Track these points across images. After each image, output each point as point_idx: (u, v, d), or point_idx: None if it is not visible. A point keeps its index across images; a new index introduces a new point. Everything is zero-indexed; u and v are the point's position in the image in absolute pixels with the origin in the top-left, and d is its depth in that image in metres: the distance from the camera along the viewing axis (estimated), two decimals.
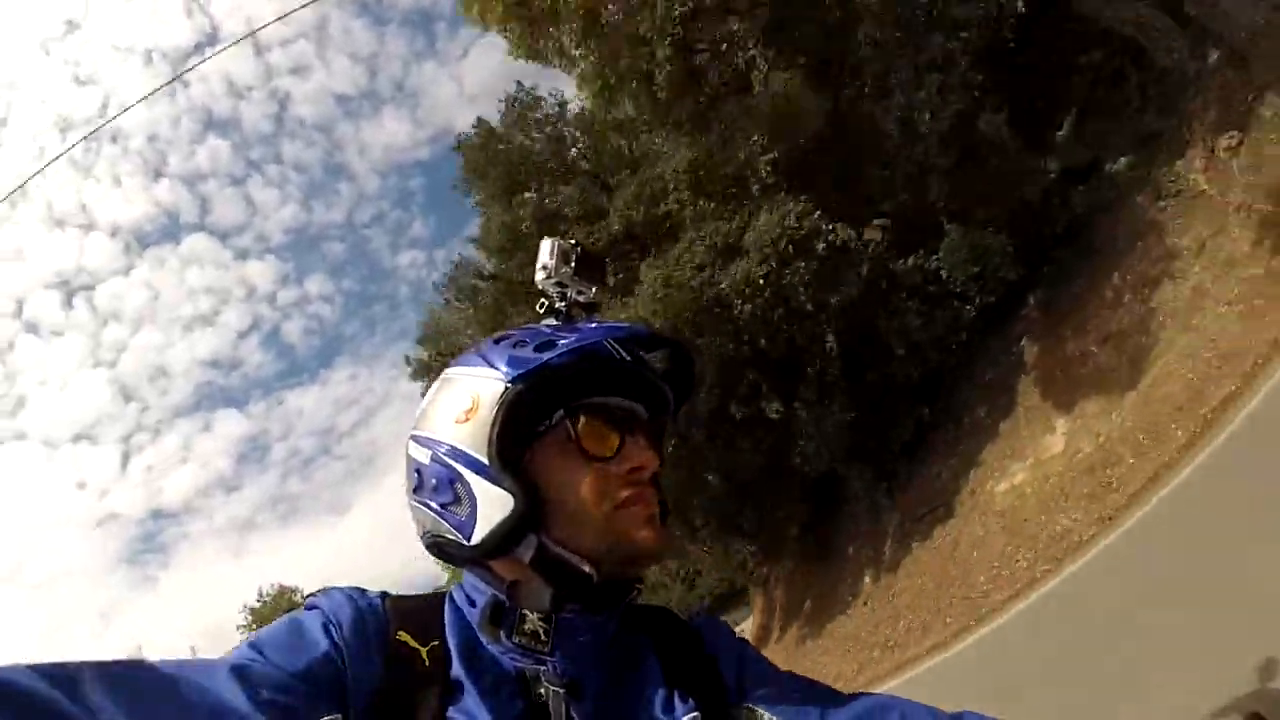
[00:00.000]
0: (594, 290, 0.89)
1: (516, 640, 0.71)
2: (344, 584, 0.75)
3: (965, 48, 9.76)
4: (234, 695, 0.57)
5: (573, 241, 0.88)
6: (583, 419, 0.75)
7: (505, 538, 0.71)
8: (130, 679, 0.54)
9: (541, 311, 0.90)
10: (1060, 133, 11.12)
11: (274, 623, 0.69)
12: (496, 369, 0.74)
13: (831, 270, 10.35)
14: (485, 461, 0.71)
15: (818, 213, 10.49)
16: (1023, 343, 10.02)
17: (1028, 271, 10.23)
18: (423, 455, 0.75)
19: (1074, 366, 8.61)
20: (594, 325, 0.81)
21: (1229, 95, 7.97)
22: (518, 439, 0.72)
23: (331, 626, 0.67)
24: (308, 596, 0.73)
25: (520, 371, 0.73)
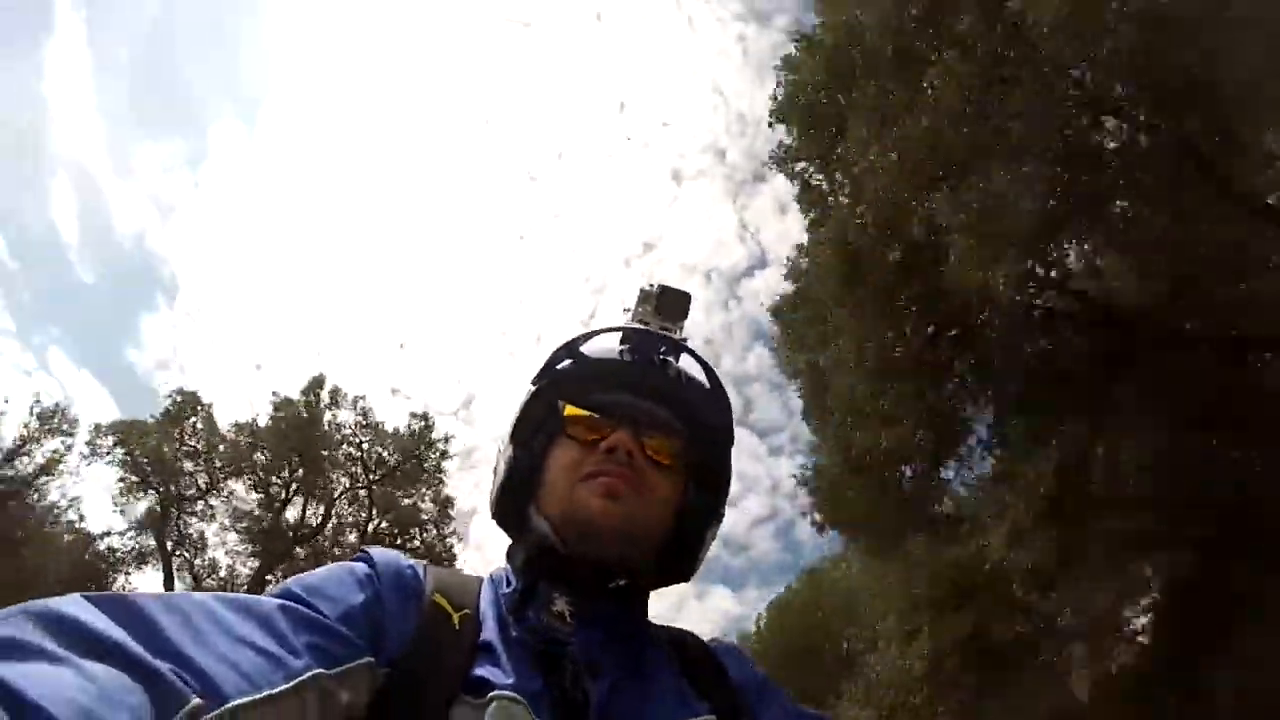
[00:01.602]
0: (677, 327, 0.92)
1: (544, 619, 0.73)
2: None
3: None
4: (280, 633, 0.57)
5: (653, 285, 0.94)
6: (569, 408, 0.84)
7: (501, 503, 0.87)
8: (183, 610, 0.54)
9: None
10: None
11: (322, 568, 0.71)
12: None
13: None
14: (507, 443, 0.87)
15: None
16: None
17: None
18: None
19: None
20: (621, 328, 0.90)
21: None
22: (536, 430, 0.86)
23: (375, 578, 0.70)
24: (357, 551, 0.76)
25: (537, 377, 0.90)
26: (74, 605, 0.47)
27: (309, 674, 0.56)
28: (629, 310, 0.94)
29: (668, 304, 0.92)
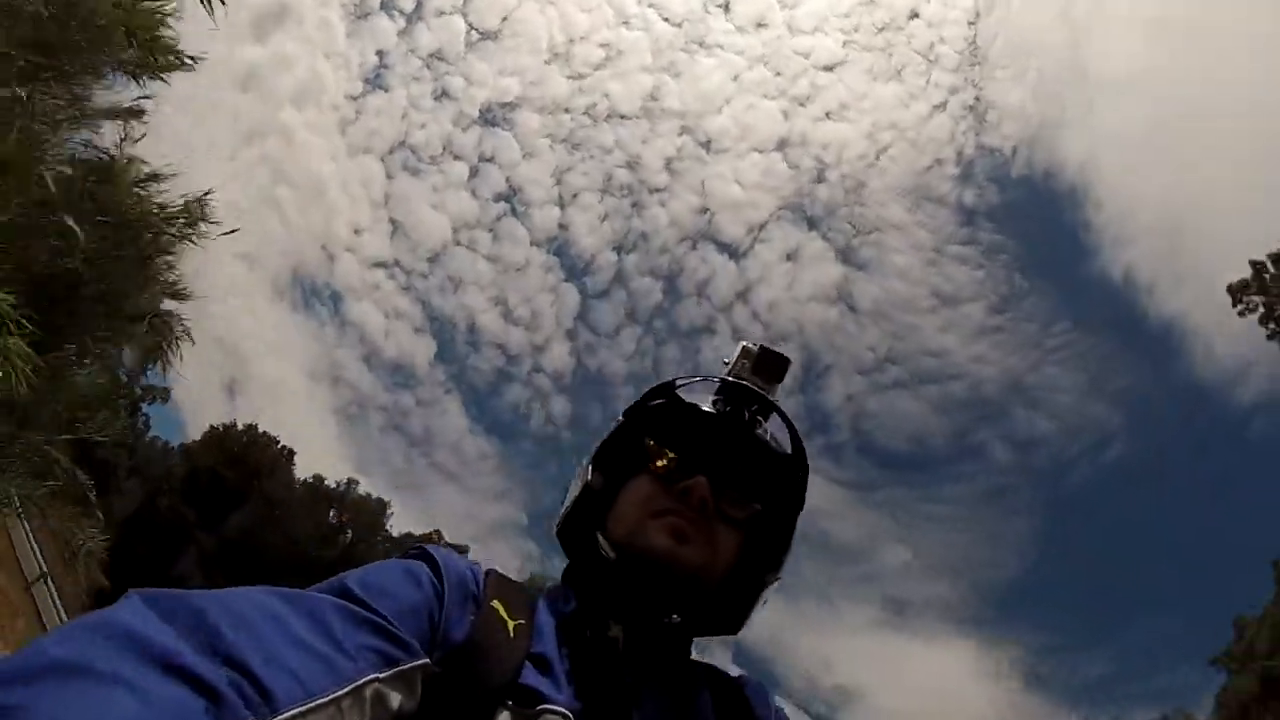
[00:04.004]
0: (772, 388, 0.93)
1: (598, 642, 0.74)
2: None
3: None
4: (335, 635, 0.56)
5: (755, 344, 0.94)
6: (654, 445, 0.87)
7: (569, 521, 0.87)
8: (241, 610, 0.52)
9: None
10: None
11: (381, 563, 0.70)
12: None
13: None
14: (587, 464, 0.89)
15: None
16: None
17: None
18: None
19: None
20: (719, 380, 0.91)
21: None
22: (621, 459, 0.88)
23: (435, 579, 0.69)
24: (413, 549, 0.75)
25: (629, 409, 0.92)
26: (135, 614, 0.47)
27: (362, 679, 0.55)
28: (728, 363, 0.94)
29: (766, 364, 0.92)
